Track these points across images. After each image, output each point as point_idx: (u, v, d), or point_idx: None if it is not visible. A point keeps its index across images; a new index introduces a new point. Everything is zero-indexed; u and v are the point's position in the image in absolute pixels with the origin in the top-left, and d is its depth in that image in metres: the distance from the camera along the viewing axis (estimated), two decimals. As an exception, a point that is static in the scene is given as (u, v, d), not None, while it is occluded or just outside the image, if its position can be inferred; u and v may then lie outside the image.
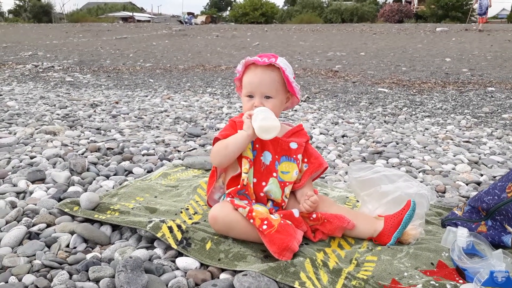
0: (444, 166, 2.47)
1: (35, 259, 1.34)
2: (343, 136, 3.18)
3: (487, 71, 7.02)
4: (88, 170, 2.19)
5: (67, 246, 1.44)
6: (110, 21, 35.55)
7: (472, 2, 18.58)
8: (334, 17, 38.42)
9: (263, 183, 1.51)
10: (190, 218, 1.58)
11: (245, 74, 1.53)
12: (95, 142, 2.76)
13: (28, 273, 1.27)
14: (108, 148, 2.60)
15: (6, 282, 1.22)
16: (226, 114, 3.96)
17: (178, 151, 2.67)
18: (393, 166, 2.45)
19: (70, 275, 1.25)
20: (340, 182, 2.20)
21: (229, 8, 61.63)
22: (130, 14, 48.66)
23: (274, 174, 1.52)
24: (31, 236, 1.48)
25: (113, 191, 1.85)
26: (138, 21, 41.24)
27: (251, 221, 1.36)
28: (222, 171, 1.59)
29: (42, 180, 2.03)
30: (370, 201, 1.63)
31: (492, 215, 1.50)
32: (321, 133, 3.24)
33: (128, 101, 4.50)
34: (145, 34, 17.44)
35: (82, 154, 2.48)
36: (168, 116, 3.81)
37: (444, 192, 2.08)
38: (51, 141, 2.72)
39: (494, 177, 2.29)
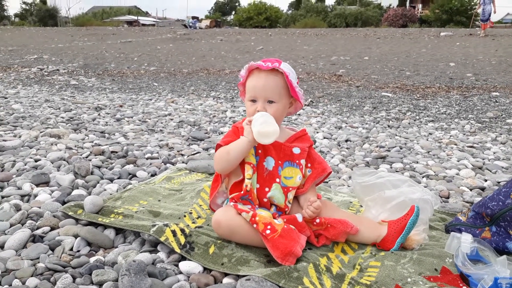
0: (448, 171, 2.46)
1: (39, 262, 1.35)
2: (346, 141, 3.18)
3: (491, 76, 7.00)
4: (92, 173, 2.20)
5: (71, 249, 1.44)
6: (115, 25, 35.74)
7: (476, 7, 18.49)
8: (338, 22, 38.43)
9: (266, 189, 1.50)
10: (193, 222, 1.58)
11: (249, 78, 1.53)
12: (99, 145, 2.78)
13: (31, 276, 1.27)
14: (112, 152, 2.61)
15: (10, 285, 1.23)
16: (230, 118, 3.97)
17: (182, 154, 2.68)
18: (396, 171, 2.44)
19: (74, 278, 1.26)
20: (344, 186, 2.20)
21: (233, 12, 61.80)
22: (135, 18, 48.91)
23: (277, 180, 1.51)
24: (35, 239, 1.49)
25: (117, 194, 1.86)
26: (143, 25, 41.44)
27: (255, 225, 1.36)
28: (226, 176, 1.59)
29: (47, 183, 2.04)
30: (373, 206, 1.63)
31: (496, 221, 1.49)
32: (324, 138, 3.24)
33: (132, 105, 4.52)
34: (150, 38, 17.52)
35: (86, 157, 2.49)
36: (172, 119, 3.82)
37: (448, 198, 2.08)
38: (56, 144, 2.73)
39: (498, 182, 2.27)
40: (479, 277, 1.21)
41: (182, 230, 1.44)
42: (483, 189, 2.19)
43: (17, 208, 1.72)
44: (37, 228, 1.56)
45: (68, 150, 2.62)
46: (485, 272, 1.22)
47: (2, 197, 1.84)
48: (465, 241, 1.33)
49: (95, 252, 1.44)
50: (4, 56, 9.90)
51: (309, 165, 1.57)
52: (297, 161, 1.54)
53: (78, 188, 1.98)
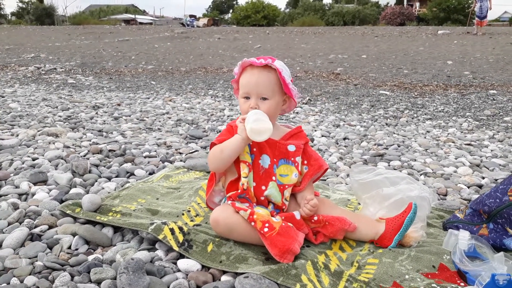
0: (446, 169, 2.46)
1: (37, 261, 1.35)
2: (344, 139, 3.18)
3: (489, 74, 7.02)
4: (90, 172, 2.20)
5: (69, 247, 1.44)
6: (112, 23, 35.62)
7: (472, 5, 18.49)
8: (336, 20, 38.42)
9: (263, 187, 1.50)
10: (191, 220, 1.58)
11: (242, 75, 1.53)
12: (97, 144, 2.77)
13: (29, 274, 1.27)
14: (110, 150, 2.61)
15: (8, 283, 1.23)
16: (228, 116, 3.97)
17: (180, 153, 2.68)
18: (394, 169, 2.45)
19: (72, 276, 1.26)
20: (342, 184, 2.20)
21: (231, 11, 61.76)
22: (133, 16, 48.84)
23: (273, 178, 1.51)
24: (33, 237, 1.49)
25: (115, 193, 1.86)
26: (140, 23, 41.38)
27: (252, 223, 1.36)
28: (221, 174, 1.59)
29: (44, 181, 2.03)
30: (371, 203, 1.63)
31: (493, 218, 1.49)
32: (322, 136, 3.24)
33: (130, 103, 4.51)
34: (147, 37, 17.47)
35: (84, 156, 2.49)
36: (170, 118, 3.81)
37: (445, 195, 2.08)
38: (53, 143, 2.73)
39: (496, 180, 2.28)
40: (477, 273, 1.21)
41: (180, 228, 1.44)
42: (480, 186, 2.20)
43: (15, 207, 1.72)
44: (35, 227, 1.56)
45: (65, 149, 2.62)
46: (482, 268, 1.23)
47: (0, 196, 1.84)
48: (462, 238, 1.33)
49: (93, 251, 1.44)
50: (1, 55, 9.87)
51: (305, 162, 1.57)
52: (292, 159, 1.53)
53: (76, 187, 1.98)
